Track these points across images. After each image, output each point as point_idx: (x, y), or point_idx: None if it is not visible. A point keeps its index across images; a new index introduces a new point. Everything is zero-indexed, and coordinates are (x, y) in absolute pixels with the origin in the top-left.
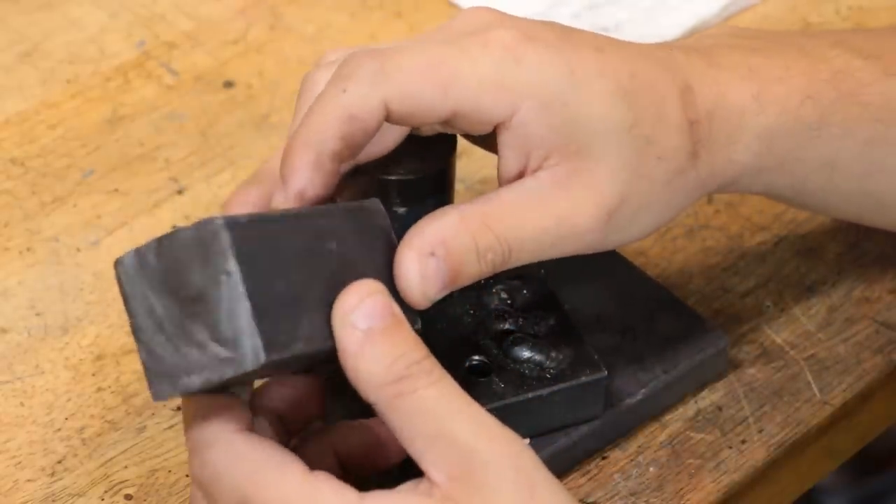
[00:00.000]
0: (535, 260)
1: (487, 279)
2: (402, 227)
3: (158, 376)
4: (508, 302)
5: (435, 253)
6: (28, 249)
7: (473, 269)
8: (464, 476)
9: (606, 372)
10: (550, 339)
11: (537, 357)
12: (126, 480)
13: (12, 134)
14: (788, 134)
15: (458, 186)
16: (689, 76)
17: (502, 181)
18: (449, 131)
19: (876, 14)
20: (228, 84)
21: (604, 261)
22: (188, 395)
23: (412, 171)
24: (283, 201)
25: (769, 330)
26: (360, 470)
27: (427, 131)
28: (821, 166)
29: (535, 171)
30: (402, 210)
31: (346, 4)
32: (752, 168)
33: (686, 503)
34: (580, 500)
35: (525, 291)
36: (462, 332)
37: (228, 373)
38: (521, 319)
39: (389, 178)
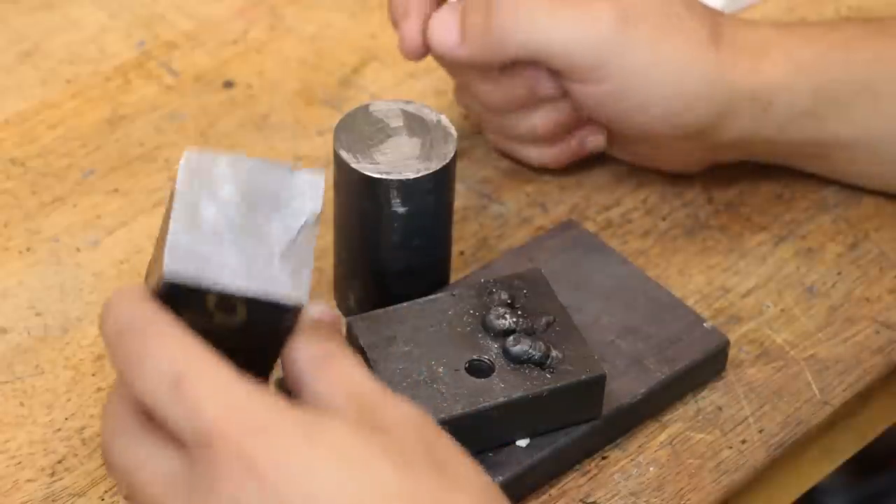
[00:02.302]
0: (542, 43)
1: (487, 279)
2: (403, 226)
3: (184, 259)
4: (508, 302)
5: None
6: (28, 249)
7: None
8: (368, 416)
9: (606, 372)
10: (550, 339)
11: (537, 357)
12: None
13: (12, 134)
14: (817, 55)
15: (458, 186)
16: (718, 22)
17: None
18: None
19: (876, 14)
20: (228, 84)
21: (604, 261)
22: (200, 289)
23: (412, 170)
24: (403, 28)
25: (769, 330)
26: None
27: None
28: (862, 90)
29: None
30: (402, 210)
31: (346, 4)
32: (785, 86)
33: (686, 503)
34: (580, 501)
35: (525, 291)
36: (462, 332)
37: (269, 296)
38: (521, 319)
39: (389, 178)
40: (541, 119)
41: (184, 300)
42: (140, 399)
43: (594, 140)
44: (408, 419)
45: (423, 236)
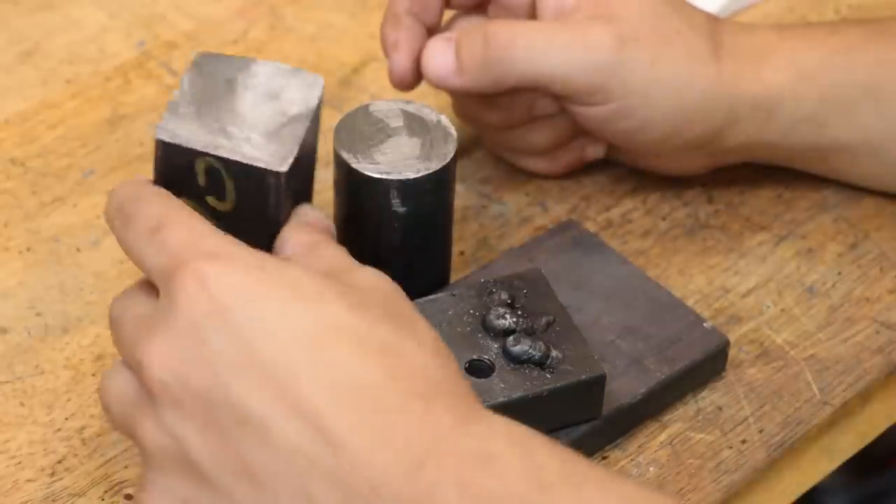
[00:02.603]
0: (541, 70)
1: (487, 279)
2: (403, 227)
3: (176, 129)
4: (508, 302)
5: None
6: (28, 249)
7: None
8: (334, 274)
9: (606, 372)
10: (550, 339)
11: (537, 357)
12: (126, 480)
13: (12, 134)
14: (818, 59)
15: (458, 186)
16: (717, 29)
17: None
18: None
19: (876, 14)
20: None
21: (604, 261)
22: (187, 151)
23: (412, 170)
24: (393, 59)
25: (769, 330)
26: None
27: None
28: (865, 94)
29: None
30: (402, 210)
31: (346, 4)
32: (788, 93)
33: (686, 503)
34: None
35: (525, 291)
36: (462, 332)
37: (249, 161)
38: (521, 319)
39: (389, 178)
40: (539, 135)
41: (177, 171)
42: (130, 255)
43: (593, 149)
44: (371, 280)
45: (423, 236)
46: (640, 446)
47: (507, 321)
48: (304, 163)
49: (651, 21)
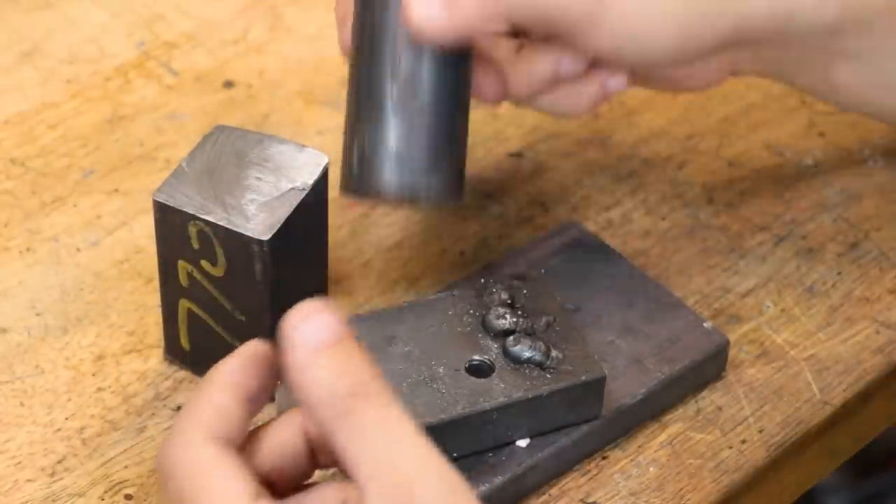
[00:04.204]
0: (539, 8)
1: (487, 279)
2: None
3: (174, 194)
4: (508, 302)
5: None
6: (28, 249)
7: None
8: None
9: (606, 372)
10: (550, 339)
11: (537, 357)
12: (126, 480)
13: (12, 134)
14: None
15: None
16: None
17: None
18: None
19: None
20: (228, 84)
21: (604, 261)
22: (181, 213)
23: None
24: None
25: (769, 330)
26: (327, 457)
27: None
28: (887, 9)
29: None
30: None
31: None
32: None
33: (686, 503)
34: (580, 501)
35: (525, 291)
36: (462, 332)
37: (236, 228)
38: (521, 319)
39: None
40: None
41: (173, 233)
42: None
43: (614, 81)
44: None
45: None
46: (640, 446)
47: (507, 321)
48: (301, 235)
49: None
